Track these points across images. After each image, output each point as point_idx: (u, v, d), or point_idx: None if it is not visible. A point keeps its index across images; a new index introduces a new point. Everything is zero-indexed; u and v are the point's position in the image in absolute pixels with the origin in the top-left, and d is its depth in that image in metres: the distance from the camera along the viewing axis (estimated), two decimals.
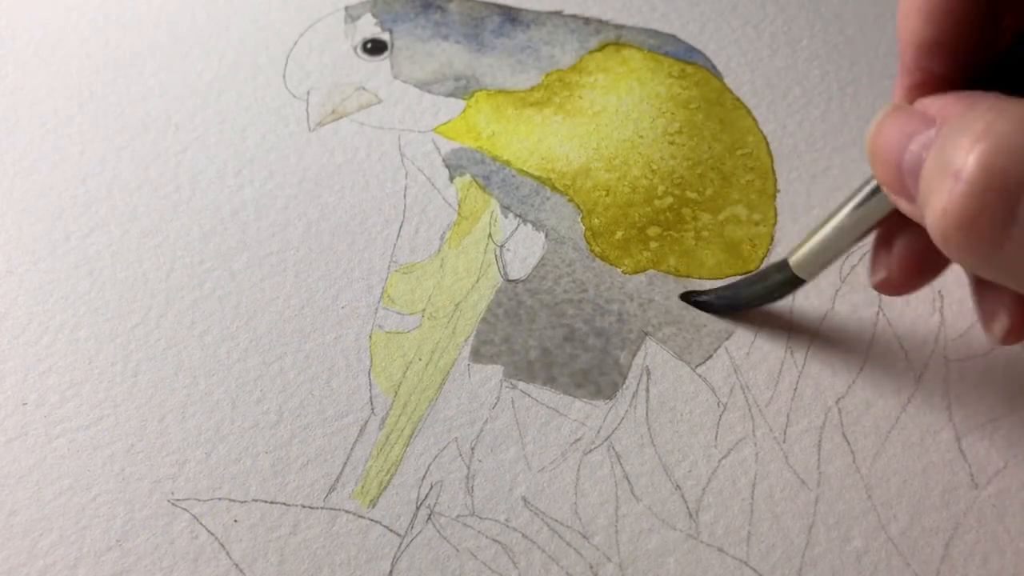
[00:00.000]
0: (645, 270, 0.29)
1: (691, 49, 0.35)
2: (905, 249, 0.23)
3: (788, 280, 0.26)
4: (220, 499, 0.25)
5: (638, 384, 0.27)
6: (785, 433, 0.26)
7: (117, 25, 0.36)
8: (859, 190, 0.23)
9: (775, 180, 0.31)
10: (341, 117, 0.33)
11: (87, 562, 0.24)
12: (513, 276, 0.29)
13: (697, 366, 0.27)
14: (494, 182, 0.31)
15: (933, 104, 0.20)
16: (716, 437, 0.26)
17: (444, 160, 0.32)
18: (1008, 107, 0.17)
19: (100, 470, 0.26)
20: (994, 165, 0.17)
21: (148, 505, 0.25)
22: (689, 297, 0.28)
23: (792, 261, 0.25)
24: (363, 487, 0.25)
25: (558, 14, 0.36)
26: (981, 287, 0.23)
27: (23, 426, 0.26)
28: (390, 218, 0.31)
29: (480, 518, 0.25)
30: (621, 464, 0.26)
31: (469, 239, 0.30)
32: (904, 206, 0.21)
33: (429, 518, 0.25)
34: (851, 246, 0.24)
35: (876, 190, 0.22)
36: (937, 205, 0.18)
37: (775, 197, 0.31)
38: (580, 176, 0.31)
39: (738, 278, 0.29)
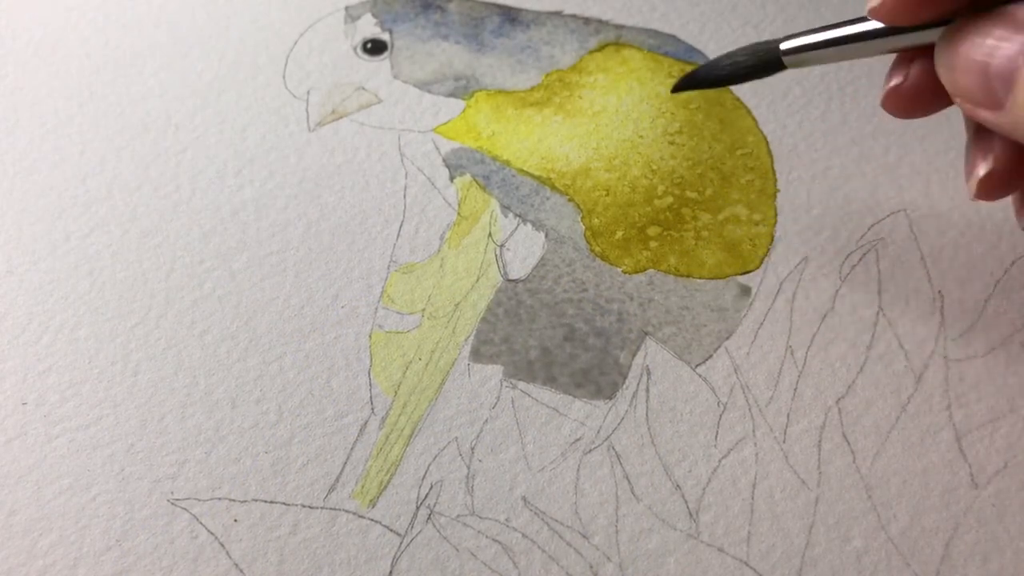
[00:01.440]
0: (645, 270, 0.29)
1: (691, 49, 0.35)
2: (925, 63, 0.23)
3: (770, 59, 0.25)
4: (220, 499, 0.25)
5: (638, 384, 0.27)
6: (785, 433, 0.26)
7: (117, 25, 0.36)
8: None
9: (775, 180, 0.31)
10: (341, 117, 0.33)
11: (87, 562, 0.24)
12: (513, 276, 0.29)
13: (697, 366, 0.27)
14: (494, 182, 0.31)
15: (1021, 10, 0.19)
16: (716, 437, 0.26)
17: (444, 160, 0.32)
18: None
19: (100, 470, 0.26)
20: None
21: (148, 505, 0.25)
22: (678, 87, 0.28)
23: (783, 46, 0.25)
24: (363, 487, 0.25)
25: (558, 14, 0.36)
26: (978, 137, 0.23)
27: (23, 426, 0.26)
28: (390, 218, 0.31)
29: (480, 518, 0.25)
30: (621, 464, 0.26)
31: (469, 239, 0.30)
32: (984, 116, 0.20)
33: (429, 518, 0.25)
34: (845, 59, 0.24)
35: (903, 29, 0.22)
36: None
37: (775, 197, 0.31)
38: (580, 176, 0.31)
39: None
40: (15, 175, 0.32)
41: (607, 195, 0.31)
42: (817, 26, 0.24)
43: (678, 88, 0.28)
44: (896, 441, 0.26)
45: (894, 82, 0.24)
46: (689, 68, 0.34)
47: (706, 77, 0.28)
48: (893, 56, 0.24)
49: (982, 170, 0.23)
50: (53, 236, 0.30)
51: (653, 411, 0.26)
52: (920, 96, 0.23)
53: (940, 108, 0.24)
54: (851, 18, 0.23)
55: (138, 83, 0.34)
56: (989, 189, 0.23)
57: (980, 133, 0.23)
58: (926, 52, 0.23)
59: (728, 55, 0.27)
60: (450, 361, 0.27)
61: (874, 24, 0.23)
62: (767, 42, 0.26)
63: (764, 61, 0.26)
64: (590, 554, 0.24)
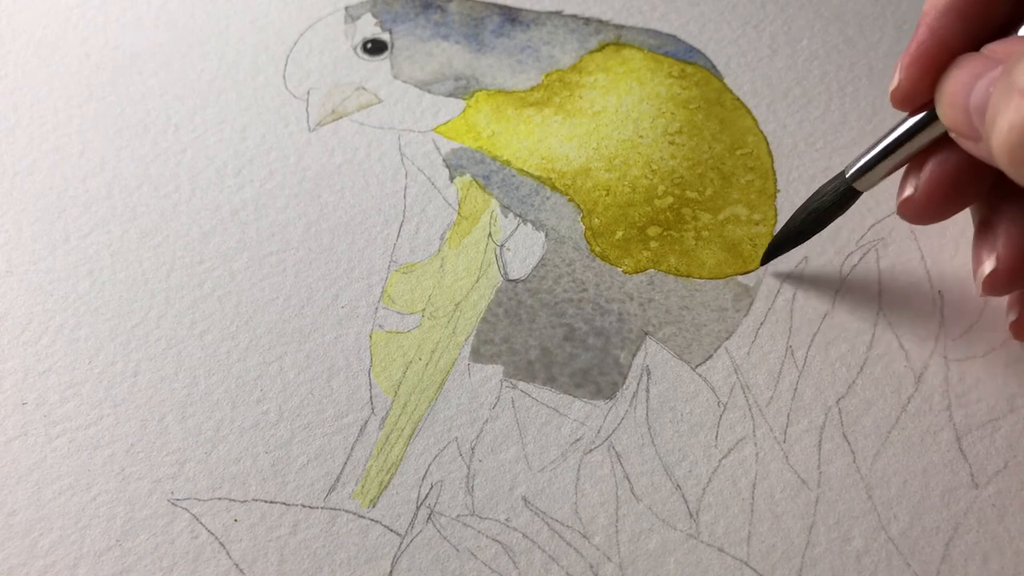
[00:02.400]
0: (645, 270, 0.29)
1: (691, 49, 0.35)
2: (936, 170, 0.24)
3: (843, 192, 0.26)
4: (220, 499, 0.25)
5: (638, 384, 0.27)
6: (785, 433, 0.26)
7: (117, 25, 0.36)
8: (916, 111, 0.24)
9: (775, 180, 0.31)
10: (341, 117, 0.33)
11: (87, 562, 0.24)
12: (513, 276, 0.29)
13: (697, 366, 0.27)
14: (494, 182, 0.31)
15: (999, 48, 0.21)
16: (716, 437, 0.26)
17: (444, 160, 0.32)
18: None
19: (100, 470, 0.26)
20: None
21: (148, 505, 0.25)
22: (764, 262, 0.29)
23: (848, 173, 0.26)
24: (363, 487, 0.25)
25: (558, 14, 0.36)
26: (981, 234, 0.24)
27: (23, 426, 0.26)
28: (390, 218, 0.31)
29: (480, 518, 0.25)
30: (621, 464, 0.26)
31: (469, 239, 0.30)
32: (971, 147, 0.22)
33: (429, 518, 0.25)
34: (903, 163, 0.25)
35: (932, 116, 0.23)
36: (1003, 123, 0.19)
37: (775, 197, 0.31)
38: (580, 176, 0.31)
39: (734, 278, 0.29)
40: (15, 175, 0.32)
41: (607, 195, 0.31)
42: (871, 142, 0.26)
43: (767, 259, 0.29)
44: (896, 441, 0.26)
45: (906, 193, 0.25)
46: (689, 68, 0.34)
47: (790, 237, 0.28)
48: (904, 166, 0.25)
49: (987, 268, 0.24)
50: (53, 236, 0.30)
51: (653, 411, 0.26)
52: (932, 204, 0.24)
53: (953, 213, 0.25)
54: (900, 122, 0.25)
55: (138, 83, 0.34)
56: (994, 286, 0.24)
57: (983, 231, 0.25)
58: (936, 156, 0.24)
59: (800, 210, 0.28)
60: (450, 361, 0.27)
61: (911, 120, 0.24)
62: (834, 179, 0.27)
63: (841, 197, 0.27)
64: (590, 554, 0.24)
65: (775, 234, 0.29)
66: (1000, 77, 0.20)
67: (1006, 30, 0.23)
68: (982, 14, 0.23)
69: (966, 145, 0.22)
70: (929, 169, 0.24)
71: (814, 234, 0.28)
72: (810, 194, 0.28)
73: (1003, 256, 0.24)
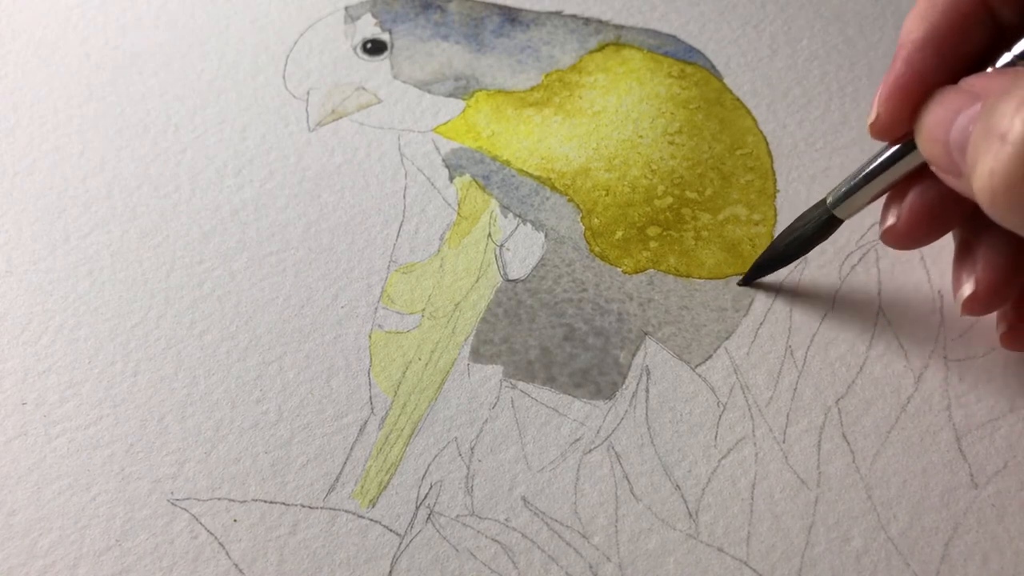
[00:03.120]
0: (645, 270, 0.29)
1: (691, 49, 0.35)
2: (916, 200, 0.24)
3: (825, 220, 0.26)
4: (220, 499, 0.25)
5: (638, 384, 0.27)
6: (785, 433, 0.26)
7: (117, 25, 0.36)
8: (895, 142, 0.24)
9: (775, 180, 0.31)
10: (341, 117, 0.33)
11: (87, 562, 0.24)
12: (513, 276, 0.29)
13: (697, 366, 0.27)
14: (494, 182, 0.31)
15: (977, 82, 0.21)
16: (716, 437, 0.26)
17: (444, 160, 0.32)
18: None
19: (99, 470, 0.26)
20: None
21: (148, 505, 0.25)
22: (745, 283, 0.29)
23: (829, 200, 0.26)
24: (363, 487, 0.25)
25: (558, 14, 0.36)
26: (961, 256, 0.25)
27: (22, 426, 0.26)
28: (390, 218, 0.31)
29: (480, 518, 0.25)
30: (621, 464, 0.26)
31: (469, 239, 0.30)
32: (951, 182, 0.22)
33: (429, 518, 0.25)
34: (884, 191, 0.25)
35: (912, 146, 0.23)
36: (984, 168, 0.19)
37: (775, 197, 0.31)
38: (580, 176, 0.31)
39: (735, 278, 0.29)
40: (15, 175, 0.32)
41: (607, 195, 0.31)
42: (853, 170, 0.26)
43: (746, 282, 0.29)
44: (896, 441, 0.26)
45: (889, 223, 0.25)
46: (689, 68, 0.34)
47: (772, 261, 0.28)
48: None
49: (967, 290, 0.24)
50: (53, 236, 0.30)
51: (653, 411, 0.26)
52: (914, 232, 0.25)
53: (935, 239, 0.25)
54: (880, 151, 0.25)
55: (138, 83, 0.34)
56: (974, 308, 0.25)
57: (962, 253, 0.25)
58: (917, 186, 0.24)
59: (783, 235, 0.28)
60: (450, 361, 0.27)
61: (892, 149, 0.24)
62: (814, 208, 0.27)
63: (823, 226, 0.27)
64: (590, 554, 0.24)
65: (757, 257, 0.29)
66: (980, 117, 0.20)
67: (983, 62, 0.22)
68: (958, 46, 0.23)
69: (947, 180, 0.22)
70: (910, 199, 0.24)
71: (796, 259, 0.28)
72: (802, 211, 0.28)
73: (982, 279, 0.24)
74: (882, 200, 0.26)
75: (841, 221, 0.26)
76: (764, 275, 0.29)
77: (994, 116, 0.19)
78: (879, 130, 0.24)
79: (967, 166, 0.20)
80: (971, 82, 0.21)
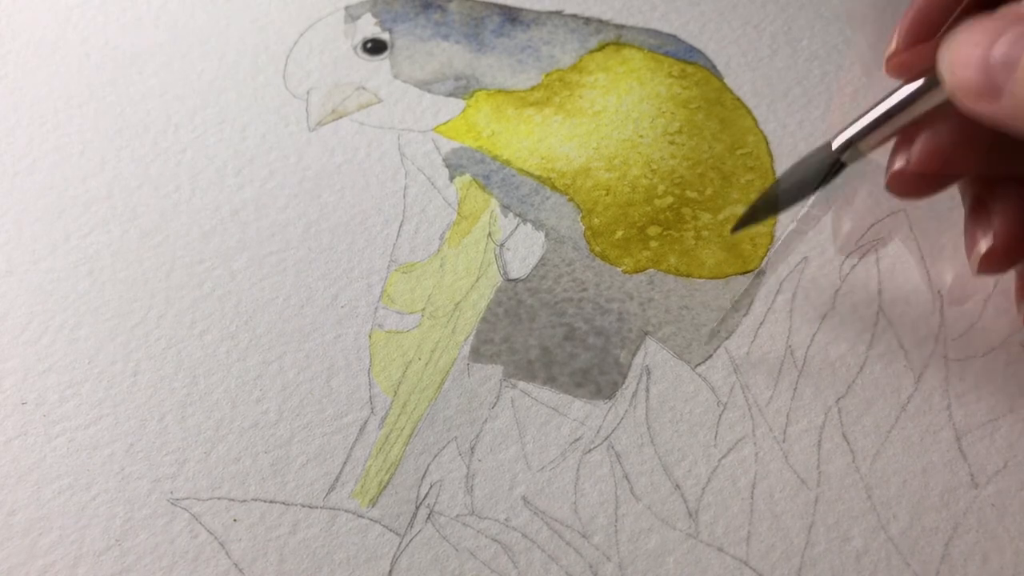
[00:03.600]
0: (645, 269, 0.29)
1: (691, 49, 0.35)
2: (928, 142, 0.23)
3: (830, 164, 0.25)
4: (220, 498, 0.25)
5: (638, 383, 0.27)
6: (785, 433, 0.26)
7: (117, 25, 0.36)
8: (911, 80, 0.23)
9: (775, 179, 0.31)
10: (341, 117, 0.33)
11: (87, 561, 0.24)
12: (513, 275, 0.29)
13: (697, 365, 0.27)
14: (494, 181, 0.31)
15: (1015, 8, 0.20)
16: (716, 437, 0.26)
17: (444, 160, 0.32)
18: None
19: (100, 469, 0.26)
20: None
21: (148, 504, 0.25)
22: (737, 229, 0.27)
23: (835, 144, 0.25)
24: (363, 486, 0.25)
25: (558, 14, 0.36)
26: (975, 214, 0.24)
27: (23, 425, 0.26)
28: (390, 218, 0.31)
29: (480, 517, 0.25)
30: (621, 463, 0.26)
31: (469, 238, 0.30)
32: (983, 108, 0.21)
33: (429, 517, 0.25)
34: (893, 135, 0.24)
35: (929, 85, 0.22)
36: None
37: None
38: (580, 175, 0.31)
39: (744, 276, 0.29)
40: (15, 175, 0.32)
41: (607, 195, 0.31)
42: (858, 105, 0.25)
43: (739, 227, 0.27)
44: (896, 441, 0.26)
45: (898, 166, 0.24)
46: (689, 68, 0.34)
47: (767, 206, 0.26)
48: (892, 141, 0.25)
49: (983, 246, 0.23)
50: (53, 236, 0.30)
51: (653, 411, 0.26)
52: (923, 178, 0.24)
53: (943, 188, 0.24)
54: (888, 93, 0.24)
55: (138, 83, 0.34)
56: (991, 264, 0.24)
57: (977, 209, 0.24)
58: (929, 128, 0.23)
59: (783, 178, 0.26)
60: (450, 361, 0.27)
61: (906, 89, 0.23)
62: (817, 151, 0.25)
63: (825, 169, 0.25)
64: (590, 554, 0.24)
65: (753, 200, 0.27)
66: None
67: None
68: None
69: (978, 107, 0.21)
70: (922, 141, 0.23)
71: (793, 205, 0.26)
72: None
73: (999, 233, 0.23)
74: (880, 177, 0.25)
75: (845, 165, 0.25)
76: (759, 220, 0.27)
77: None
78: (897, 65, 0.23)
79: (1019, 80, 0.19)
80: (1009, 9, 0.20)
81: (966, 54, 0.21)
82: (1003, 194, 0.24)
